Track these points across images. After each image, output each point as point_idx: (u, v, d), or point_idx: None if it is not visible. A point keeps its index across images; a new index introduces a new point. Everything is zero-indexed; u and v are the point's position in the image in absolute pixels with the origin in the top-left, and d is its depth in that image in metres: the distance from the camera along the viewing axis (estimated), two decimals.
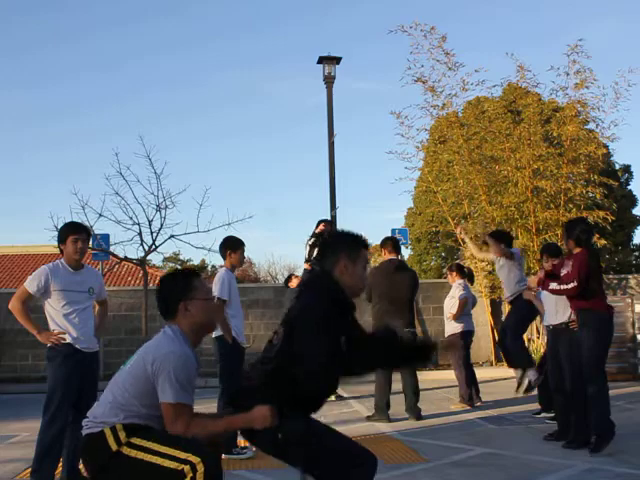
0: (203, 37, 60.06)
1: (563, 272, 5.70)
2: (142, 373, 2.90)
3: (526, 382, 6.78)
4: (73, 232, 4.97)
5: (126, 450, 2.82)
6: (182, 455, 2.74)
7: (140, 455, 2.80)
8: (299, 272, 9.93)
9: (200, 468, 2.71)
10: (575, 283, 5.49)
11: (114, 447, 2.82)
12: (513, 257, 6.99)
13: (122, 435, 2.85)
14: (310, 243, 9.16)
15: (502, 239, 7.20)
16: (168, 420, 2.85)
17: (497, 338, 7.35)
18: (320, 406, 3.00)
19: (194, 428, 2.85)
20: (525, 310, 6.98)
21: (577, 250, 5.68)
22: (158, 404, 2.88)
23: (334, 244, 3.08)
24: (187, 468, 2.71)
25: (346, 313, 3.03)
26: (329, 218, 9.25)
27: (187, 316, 2.97)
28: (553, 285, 5.66)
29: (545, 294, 6.47)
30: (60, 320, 4.86)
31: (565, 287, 5.57)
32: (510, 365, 7.27)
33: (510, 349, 6.96)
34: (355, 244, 3.06)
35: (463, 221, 14.50)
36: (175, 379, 2.84)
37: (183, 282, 3.02)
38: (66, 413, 4.81)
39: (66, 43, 55.11)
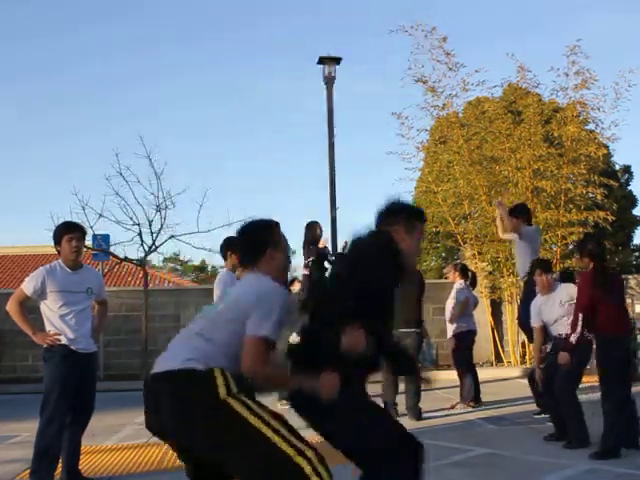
0: (200, 32, 60.02)
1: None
2: (237, 314, 2.70)
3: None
4: (67, 232, 4.95)
5: (236, 405, 2.51)
6: (298, 443, 2.45)
7: (253, 421, 2.47)
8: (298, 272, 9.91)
9: (316, 462, 2.44)
10: (579, 322, 5.61)
11: (222, 394, 2.52)
12: (521, 235, 7.52)
13: (233, 385, 2.55)
14: (309, 261, 9.15)
15: (521, 214, 7.76)
16: (250, 355, 2.60)
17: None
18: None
19: (268, 369, 2.64)
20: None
21: (591, 265, 5.73)
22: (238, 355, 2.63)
23: (391, 213, 3.08)
24: (303, 461, 2.43)
25: (398, 279, 3.00)
26: (318, 220, 9.30)
27: (272, 264, 2.90)
28: (572, 338, 5.73)
29: (544, 303, 6.42)
30: (56, 321, 4.85)
31: (577, 330, 5.64)
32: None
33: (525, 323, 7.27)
34: (413, 216, 3.10)
35: (463, 221, 14.50)
36: (274, 313, 2.69)
37: (271, 230, 3.00)
38: (64, 413, 4.80)
39: (55, 34, 54.98)
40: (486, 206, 13.18)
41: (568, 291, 6.29)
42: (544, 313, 6.42)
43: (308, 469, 2.41)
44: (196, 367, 2.58)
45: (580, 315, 5.60)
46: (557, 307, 6.31)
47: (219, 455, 2.55)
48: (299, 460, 2.42)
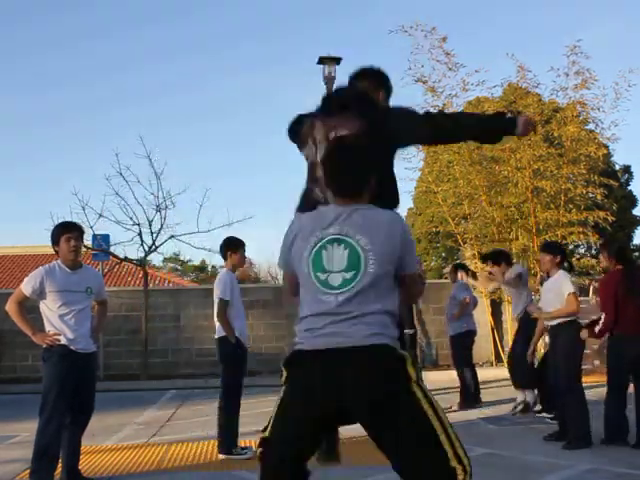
0: (202, 41, 60.08)
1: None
2: (389, 265, 2.44)
3: (521, 406, 7.57)
4: (65, 231, 4.94)
5: (419, 394, 2.38)
6: (459, 451, 2.31)
7: (430, 412, 2.35)
8: None
9: (469, 469, 2.31)
10: (603, 318, 5.69)
11: (414, 377, 2.37)
12: (520, 282, 7.60)
13: (418, 371, 2.46)
14: None
15: (500, 259, 7.80)
16: (416, 288, 2.68)
17: (506, 359, 8.15)
18: None
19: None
20: (531, 329, 7.30)
21: (618, 267, 5.79)
22: None
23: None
24: (461, 473, 2.29)
25: None
26: None
27: (371, 193, 2.55)
28: (597, 328, 5.81)
29: (541, 295, 6.46)
30: (56, 321, 4.84)
31: (604, 325, 5.69)
32: (516, 383, 7.85)
33: (517, 364, 7.57)
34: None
35: (463, 221, 14.49)
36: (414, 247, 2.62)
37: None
38: (62, 413, 4.79)
39: (68, 48, 55.15)
40: (486, 206, 13.19)
41: (560, 281, 6.18)
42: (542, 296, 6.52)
43: (461, 476, 2.31)
44: (385, 342, 2.37)
45: (604, 315, 5.64)
46: (546, 292, 6.32)
47: (394, 439, 2.41)
48: (455, 464, 2.31)
